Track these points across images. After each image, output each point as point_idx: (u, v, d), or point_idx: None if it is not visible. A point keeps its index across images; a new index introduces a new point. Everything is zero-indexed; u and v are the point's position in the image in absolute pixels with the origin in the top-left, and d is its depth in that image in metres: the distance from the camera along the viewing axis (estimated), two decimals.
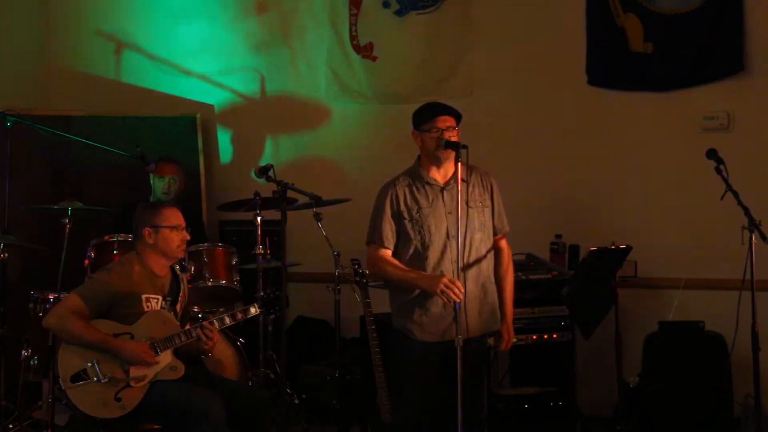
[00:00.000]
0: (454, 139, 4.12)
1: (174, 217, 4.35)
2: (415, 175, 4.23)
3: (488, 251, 4.23)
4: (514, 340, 4.35)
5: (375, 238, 4.21)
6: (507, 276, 4.33)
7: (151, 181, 5.76)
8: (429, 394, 4.18)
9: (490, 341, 4.42)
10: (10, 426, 5.08)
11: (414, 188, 4.20)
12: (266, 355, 5.45)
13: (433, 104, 4.29)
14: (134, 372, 4.12)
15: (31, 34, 6.86)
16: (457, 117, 4.19)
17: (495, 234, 4.28)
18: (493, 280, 4.26)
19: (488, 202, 4.25)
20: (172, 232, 4.31)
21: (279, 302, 4.51)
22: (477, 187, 4.23)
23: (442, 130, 4.13)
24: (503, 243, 4.35)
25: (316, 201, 5.22)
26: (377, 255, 4.20)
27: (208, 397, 4.10)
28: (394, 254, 4.21)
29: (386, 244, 4.19)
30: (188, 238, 4.39)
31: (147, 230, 4.31)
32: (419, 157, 4.27)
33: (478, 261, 4.17)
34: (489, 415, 4.87)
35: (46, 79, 6.92)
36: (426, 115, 4.19)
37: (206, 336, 4.23)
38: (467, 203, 4.14)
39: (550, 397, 5.11)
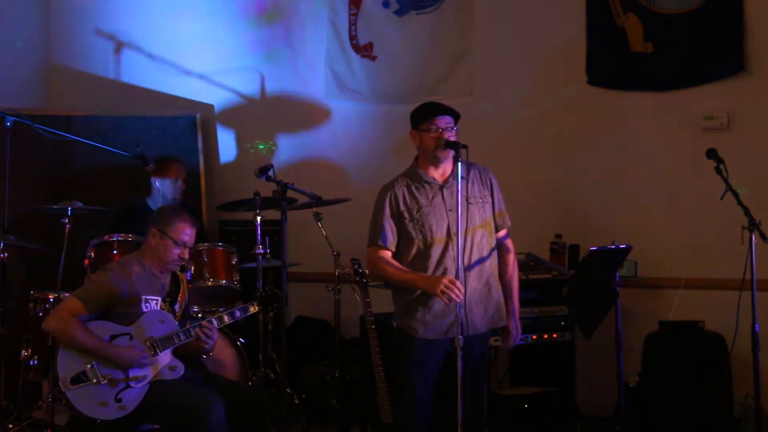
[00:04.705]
0: (453, 138, 4.12)
1: (185, 234, 4.33)
2: (414, 175, 4.23)
3: (491, 247, 4.24)
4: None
5: (375, 240, 4.21)
6: (513, 274, 4.35)
7: (157, 183, 5.68)
8: (431, 392, 4.18)
9: (493, 342, 4.42)
10: (10, 426, 5.08)
11: (413, 188, 4.21)
12: (266, 355, 5.45)
13: (432, 104, 4.29)
14: (134, 372, 4.12)
15: (32, 35, 6.85)
16: (456, 117, 4.19)
17: (497, 230, 4.29)
18: (497, 276, 4.27)
19: (488, 198, 4.26)
20: (175, 245, 4.31)
21: (277, 298, 4.50)
22: (476, 183, 4.24)
23: (442, 129, 4.14)
24: (508, 242, 4.36)
25: (316, 201, 5.22)
26: (377, 256, 4.20)
27: (208, 397, 4.10)
28: (396, 255, 4.21)
29: (387, 246, 4.19)
30: (186, 257, 4.38)
31: (154, 230, 4.31)
32: (416, 157, 4.28)
33: (480, 257, 4.18)
34: (489, 415, 4.87)
35: (46, 79, 6.92)
36: (425, 115, 4.19)
37: (205, 335, 4.23)
38: (467, 200, 4.14)
39: (550, 397, 5.11)
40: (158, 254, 4.31)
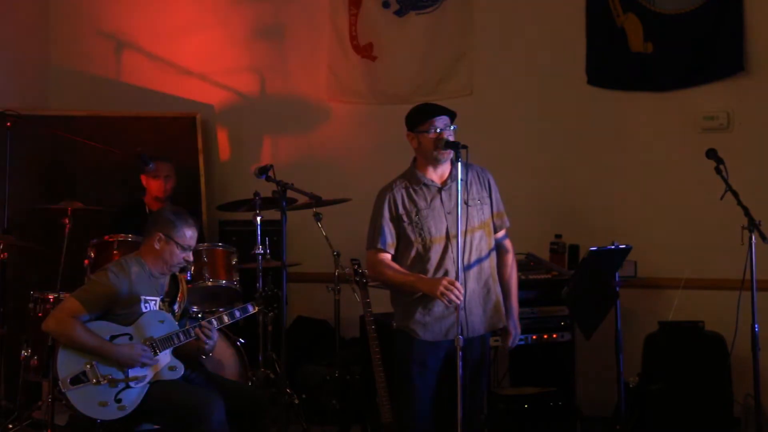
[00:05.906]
0: (452, 139, 4.12)
1: (190, 239, 4.35)
2: (412, 178, 4.23)
3: (489, 248, 4.23)
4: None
5: (375, 243, 4.20)
6: (512, 274, 4.34)
7: (144, 183, 5.72)
8: (432, 393, 4.18)
9: (493, 342, 4.41)
10: (10, 426, 5.09)
11: (411, 190, 4.20)
12: (266, 355, 5.45)
13: (428, 105, 4.28)
14: (134, 373, 4.12)
15: (32, 34, 6.85)
16: (453, 117, 4.19)
17: (495, 230, 4.28)
18: (496, 277, 4.26)
19: (487, 199, 4.25)
20: (180, 250, 4.31)
21: (278, 299, 4.51)
22: (474, 184, 4.23)
23: (441, 130, 4.13)
24: (507, 243, 4.35)
25: (316, 201, 5.22)
26: (377, 259, 4.19)
27: (208, 397, 4.11)
28: (396, 258, 4.20)
29: (386, 249, 4.18)
30: (191, 260, 4.40)
31: (159, 235, 4.30)
32: (414, 158, 4.27)
33: (479, 259, 4.17)
34: (489, 415, 4.88)
35: (46, 79, 6.92)
36: (423, 116, 4.18)
37: (205, 335, 4.23)
38: (466, 202, 4.13)
39: (550, 397, 5.10)
40: (163, 258, 4.31)
